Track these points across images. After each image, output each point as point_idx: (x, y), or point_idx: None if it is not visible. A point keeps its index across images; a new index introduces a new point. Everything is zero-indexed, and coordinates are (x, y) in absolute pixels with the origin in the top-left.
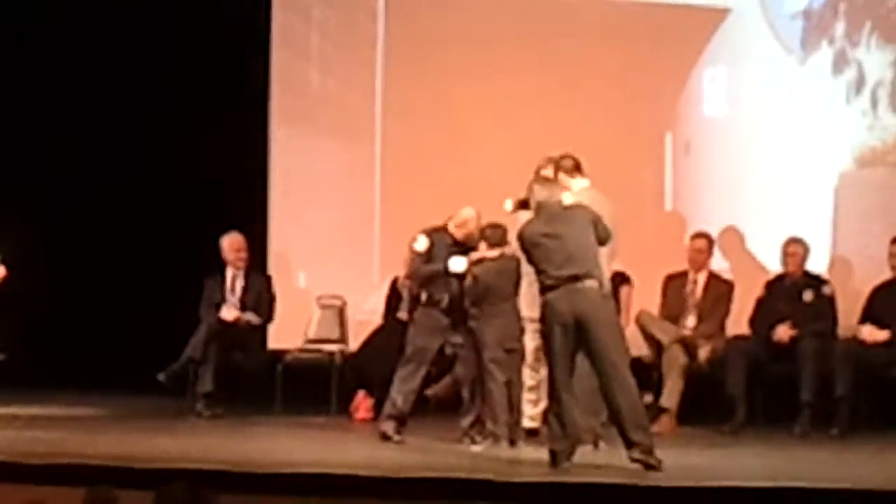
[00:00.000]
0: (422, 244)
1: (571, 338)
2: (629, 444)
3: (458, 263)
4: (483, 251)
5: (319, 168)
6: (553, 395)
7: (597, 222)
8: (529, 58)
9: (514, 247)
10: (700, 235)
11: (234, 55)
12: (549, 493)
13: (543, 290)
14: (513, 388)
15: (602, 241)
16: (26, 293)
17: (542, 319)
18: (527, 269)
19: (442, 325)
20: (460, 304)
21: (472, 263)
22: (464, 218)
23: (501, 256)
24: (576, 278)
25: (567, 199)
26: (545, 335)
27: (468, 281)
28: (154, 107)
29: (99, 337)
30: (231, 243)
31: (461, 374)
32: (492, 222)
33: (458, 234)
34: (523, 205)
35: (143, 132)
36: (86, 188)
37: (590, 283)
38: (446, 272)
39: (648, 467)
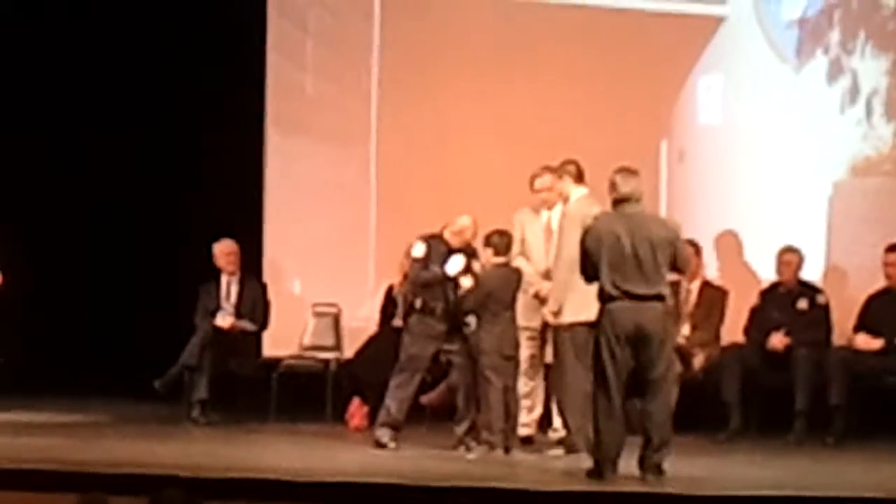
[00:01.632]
0: (419, 250)
1: (631, 352)
2: (644, 459)
3: (454, 264)
4: (489, 258)
5: (314, 174)
6: (597, 405)
7: (678, 244)
8: (524, 65)
9: (516, 255)
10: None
11: (229, 61)
12: (543, 501)
13: (606, 298)
14: (510, 395)
15: (681, 269)
16: (22, 299)
17: (597, 325)
18: (527, 279)
19: (436, 332)
20: (455, 312)
21: (465, 271)
22: (460, 226)
23: (505, 265)
24: (644, 297)
25: (578, 206)
26: (599, 343)
27: (465, 287)
28: (150, 112)
29: (94, 344)
30: (222, 248)
31: (456, 381)
32: (498, 229)
33: (455, 241)
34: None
35: (138, 138)
36: (81, 194)
37: (657, 304)
38: (445, 277)
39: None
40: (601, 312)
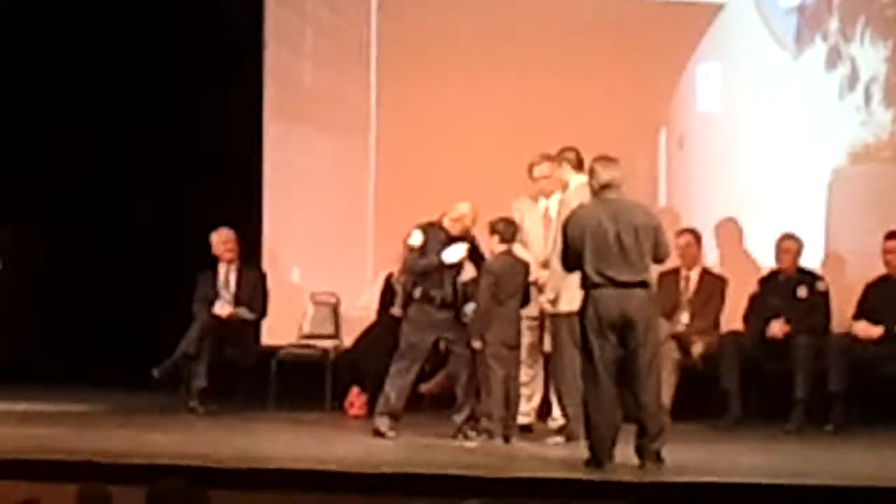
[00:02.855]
0: (417, 239)
1: (617, 339)
2: (641, 448)
3: (453, 253)
4: (494, 245)
5: (313, 164)
6: (587, 393)
7: (659, 232)
8: (524, 53)
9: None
10: (684, 231)
11: (228, 51)
12: (543, 489)
13: (590, 285)
14: (511, 384)
15: (660, 259)
16: (20, 289)
17: (583, 314)
18: (532, 269)
19: (435, 320)
20: (454, 300)
21: (466, 256)
22: (459, 213)
23: (509, 252)
24: (628, 285)
25: (575, 194)
26: (585, 331)
27: (479, 277)
28: (148, 103)
29: (93, 333)
30: (219, 237)
31: (455, 370)
32: (503, 217)
33: (454, 229)
34: None
35: (137, 128)
36: (82, 185)
37: (641, 291)
38: (442, 265)
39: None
40: (585, 300)
